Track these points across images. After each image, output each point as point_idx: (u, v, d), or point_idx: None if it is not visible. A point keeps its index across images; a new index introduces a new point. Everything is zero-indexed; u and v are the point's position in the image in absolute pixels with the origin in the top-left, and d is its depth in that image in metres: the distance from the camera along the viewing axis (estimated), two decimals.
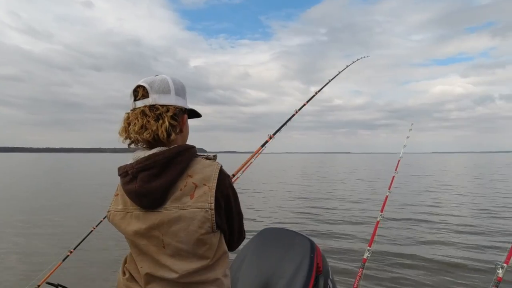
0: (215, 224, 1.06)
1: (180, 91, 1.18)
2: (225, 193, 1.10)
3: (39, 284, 2.95)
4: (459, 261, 5.37)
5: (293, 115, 2.59)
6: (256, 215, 9.71)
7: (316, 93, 2.84)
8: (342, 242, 6.57)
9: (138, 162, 1.06)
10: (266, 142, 2.31)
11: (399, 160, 3.50)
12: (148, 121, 1.08)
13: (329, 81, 3.06)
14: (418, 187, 16.50)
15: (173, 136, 1.10)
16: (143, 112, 1.09)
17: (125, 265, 1.16)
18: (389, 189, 3.20)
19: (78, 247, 3.07)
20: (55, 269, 2.98)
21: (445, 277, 4.72)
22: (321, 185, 18.55)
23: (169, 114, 1.10)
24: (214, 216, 1.04)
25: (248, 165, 4.17)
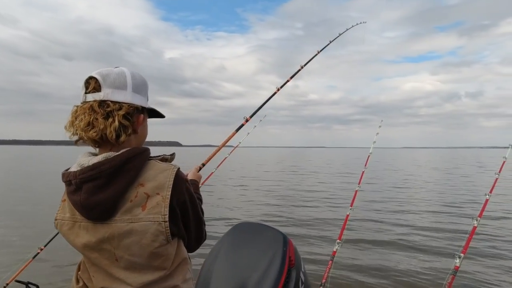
0: (169, 236, 0.98)
1: (139, 87, 1.07)
2: (181, 200, 1.02)
3: (7, 282, 2.86)
4: (422, 251, 5.66)
5: (275, 93, 2.38)
6: (230, 209, 9.74)
7: (302, 67, 2.61)
8: (314, 236, 6.72)
9: (82, 171, 0.95)
10: (242, 125, 2.11)
11: (368, 156, 3.62)
12: (96, 119, 0.96)
13: (318, 52, 2.81)
14: (387, 181, 17.05)
15: (123, 137, 0.99)
16: (91, 108, 0.97)
17: (79, 272, 1.08)
18: (359, 184, 3.31)
19: (49, 244, 2.99)
20: (24, 267, 2.89)
21: (409, 266, 4.96)
22: (294, 179, 18.78)
23: (121, 112, 0.99)
24: (168, 228, 0.96)
25: (223, 160, 4.19)
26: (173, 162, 1.12)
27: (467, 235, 2.09)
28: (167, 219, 0.96)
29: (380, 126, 3.86)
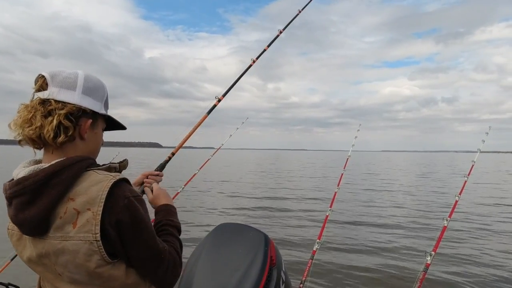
0: (106, 256, 0.88)
1: (92, 90, 0.98)
2: (116, 219, 0.88)
3: None
4: (396, 249, 5.86)
5: (250, 65, 2.17)
6: (211, 211, 9.71)
7: (281, 32, 2.38)
8: (294, 235, 6.79)
9: (10, 186, 0.89)
10: (214, 106, 1.95)
11: (347, 159, 3.70)
12: (35, 116, 0.89)
13: (280, 32, 2.45)
14: (365, 183, 17.39)
15: (61, 138, 0.90)
16: (33, 105, 0.91)
17: (40, 280, 1.03)
18: (338, 185, 3.39)
19: None
20: (3, 268, 2.82)
21: (385, 264, 5.13)
22: (275, 181, 18.87)
23: (63, 112, 0.91)
24: (102, 248, 0.86)
25: (206, 162, 4.19)
26: (124, 171, 1.04)
27: (438, 234, 2.18)
28: (99, 238, 0.85)
29: (358, 130, 3.96)
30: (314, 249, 2.70)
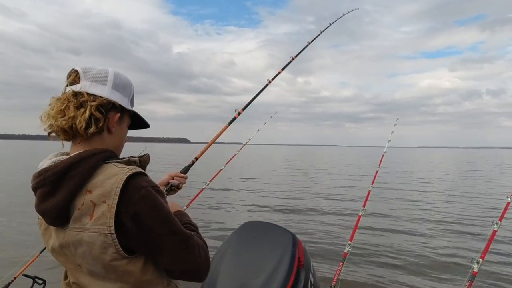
0: (121, 250, 0.91)
1: (121, 86, 1.05)
2: (133, 211, 0.90)
3: (15, 276, 2.91)
4: (438, 255, 5.57)
5: (266, 85, 2.33)
6: (238, 208, 9.76)
7: (293, 59, 2.55)
8: (324, 236, 6.69)
9: (34, 176, 0.95)
10: (234, 118, 2.09)
11: (383, 155, 3.58)
12: (68, 107, 0.96)
13: (308, 43, 2.71)
14: (401, 182, 16.87)
15: (92, 128, 0.96)
16: (66, 97, 0.98)
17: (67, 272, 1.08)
18: (372, 184, 3.28)
19: None
20: (32, 261, 2.94)
21: (424, 271, 4.89)
22: (304, 178, 18.73)
23: (94, 104, 0.97)
24: (116, 241, 0.89)
25: (232, 157, 4.19)
26: (144, 165, 1.07)
27: (487, 240, 2.05)
28: (113, 231, 0.89)
29: (395, 125, 3.82)
30: (346, 251, 2.64)
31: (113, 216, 0.88)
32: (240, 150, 4.28)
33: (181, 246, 0.97)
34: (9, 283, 2.96)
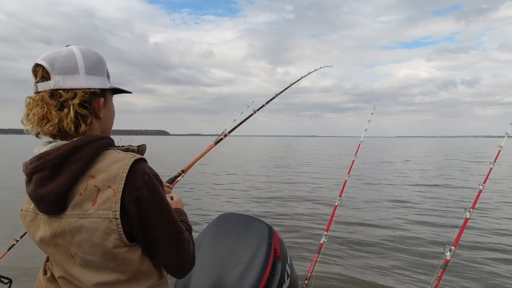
0: (123, 236, 0.92)
1: (94, 67, 1.01)
2: (136, 195, 0.92)
3: None
4: (412, 244, 5.79)
5: (251, 114, 2.55)
6: (214, 201, 9.76)
7: (277, 95, 2.83)
8: (300, 227, 6.81)
9: (31, 161, 0.94)
10: (221, 139, 2.25)
11: (359, 144, 3.66)
12: (50, 112, 0.92)
13: (276, 95, 2.95)
14: (378, 171, 17.35)
15: (82, 127, 0.95)
16: (43, 100, 0.93)
17: (47, 263, 1.08)
18: (348, 173, 3.35)
19: (26, 235, 2.94)
20: (1, 257, 2.85)
21: (398, 259, 5.09)
22: (282, 169, 18.90)
23: (76, 101, 0.94)
24: (120, 226, 0.91)
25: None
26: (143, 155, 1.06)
27: (459, 227, 2.14)
28: (118, 216, 0.90)
29: (372, 113, 3.90)
30: (321, 242, 2.69)
31: (119, 201, 0.90)
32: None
33: (174, 237, 1.01)
34: None
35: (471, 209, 2.22)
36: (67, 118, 0.93)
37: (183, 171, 1.86)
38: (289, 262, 2.26)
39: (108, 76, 1.08)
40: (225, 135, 2.24)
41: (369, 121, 3.81)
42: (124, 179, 0.91)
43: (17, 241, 2.96)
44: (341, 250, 5.44)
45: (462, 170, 18.70)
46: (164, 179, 1.53)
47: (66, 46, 1.01)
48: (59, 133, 0.96)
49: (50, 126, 0.93)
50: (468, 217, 2.20)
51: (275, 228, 2.24)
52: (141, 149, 1.08)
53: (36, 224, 0.99)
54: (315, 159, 27.50)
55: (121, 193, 0.90)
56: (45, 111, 0.93)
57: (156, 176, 0.98)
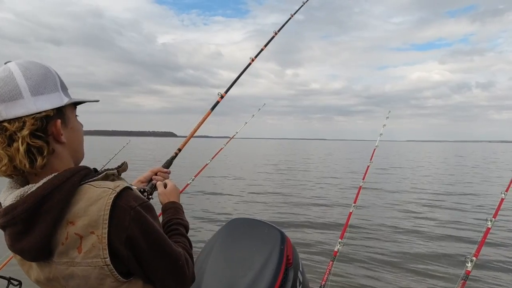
0: (119, 277, 0.86)
1: (40, 84, 0.84)
2: (127, 235, 0.84)
3: None
4: (430, 254, 5.67)
5: (249, 64, 2.33)
6: (224, 205, 9.75)
7: (276, 33, 2.56)
8: (314, 234, 6.74)
9: (0, 214, 0.83)
10: (217, 102, 2.06)
11: (374, 149, 3.59)
12: None
13: (295, 12, 2.80)
14: (393, 177, 17.10)
15: (39, 161, 0.82)
16: None
17: None
18: (363, 179, 3.29)
19: None
20: (7, 262, 2.88)
21: (416, 271, 4.97)
22: (293, 173, 18.82)
23: (25, 132, 0.80)
24: (114, 270, 0.84)
25: (218, 152, 4.15)
26: (123, 175, 0.99)
27: (480, 238, 2.07)
28: (109, 262, 0.83)
29: (387, 118, 3.83)
30: (336, 249, 2.64)
31: (106, 247, 0.82)
32: (226, 144, 4.24)
33: (172, 265, 0.95)
34: None
35: (493, 219, 2.14)
36: (18, 155, 0.80)
37: (179, 150, 1.75)
38: (301, 269, 2.21)
39: (63, 89, 0.92)
40: (221, 97, 2.08)
41: (384, 125, 3.74)
42: (107, 222, 0.81)
43: None
44: (356, 258, 5.35)
45: (479, 177, 18.30)
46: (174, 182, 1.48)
47: (5, 63, 0.86)
48: (15, 172, 0.84)
49: (3, 167, 0.81)
50: (489, 226, 2.12)
51: (287, 234, 2.20)
52: (121, 170, 0.98)
53: (28, 264, 0.93)
54: (326, 163, 27.28)
55: (106, 238, 0.81)
56: None
57: (142, 204, 0.88)
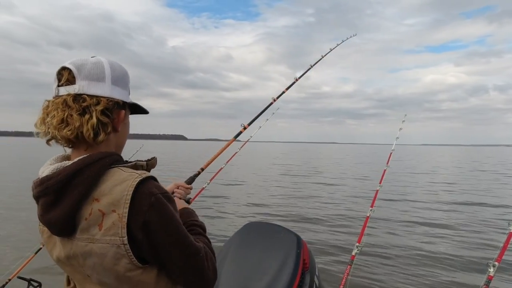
0: (134, 260, 0.89)
1: (119, 79, 1.00)
2: (143, 220, 0.87)
3: (10, 278, 2.91)
4: (451, 258, 5.53)
5: (271, 103, 2.45)
6: (239, 208, 9.74)
7: (297, 80, 2.67)
8: (330, 238, 6.67)
9: (36, 185, 0.90)
10: (240, 133, 2.18)
11: (390, 153, 3.54)
12: (71, 115, 0.90)
13: (312, 66, 2.87)
14: (410, 181, 16.81)
15: (101, 136, 0.93)
16: (65, 102, 0.90)
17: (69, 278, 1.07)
18: (380, 183, 3.25)
19: None
20: (26, 263, 2.94)
21: (436, 275, 4.85)
22: (308, 177, 18.69)
23: (99, 108, 0.92)
24: (130, 251, 0.88)
25: (233, 156, 4.16)
26: (153, 170, 1.04)
27: (502, 242, 2.01)
28: (126, 241, 0.87)
29: (403, 121, 3.78)
30: (353, 253, 2.60)
31: (125, 226, 0.86)
32: (241, 147, 4.24)
33: (190, 259, 0.95)
34: (3, 286, 2.95)
35: None
36: (87, 124, 0.90)
37: (202, 169, 1.82)
38: (317, 273, 2.19)
39: (129, 92, 1.07)
40: (244, 128, 2.19)
41: (401, 129, 3.70)
42: (129, 202, 0.86)
43: (43, 244, 3.04)
44: (374, 263, 5.26)
45: (497, 181, 17.83)
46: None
47: (92, 57, 0.99)
48: (75, 140, 0.92)
49: (69, 131, 0.90)
50: None
51: (303, 238, 2.18)
52: (151, 164, 1.04)
53: (53, 242, 0.98)
54: (340, 167, 27.01)
55: (126, 218, 0.86)
56: (66, 114, 0.90)
57: (164, 194, 0.92)
